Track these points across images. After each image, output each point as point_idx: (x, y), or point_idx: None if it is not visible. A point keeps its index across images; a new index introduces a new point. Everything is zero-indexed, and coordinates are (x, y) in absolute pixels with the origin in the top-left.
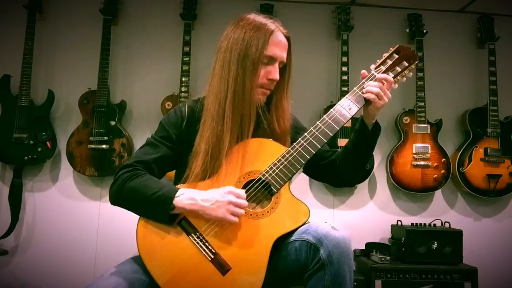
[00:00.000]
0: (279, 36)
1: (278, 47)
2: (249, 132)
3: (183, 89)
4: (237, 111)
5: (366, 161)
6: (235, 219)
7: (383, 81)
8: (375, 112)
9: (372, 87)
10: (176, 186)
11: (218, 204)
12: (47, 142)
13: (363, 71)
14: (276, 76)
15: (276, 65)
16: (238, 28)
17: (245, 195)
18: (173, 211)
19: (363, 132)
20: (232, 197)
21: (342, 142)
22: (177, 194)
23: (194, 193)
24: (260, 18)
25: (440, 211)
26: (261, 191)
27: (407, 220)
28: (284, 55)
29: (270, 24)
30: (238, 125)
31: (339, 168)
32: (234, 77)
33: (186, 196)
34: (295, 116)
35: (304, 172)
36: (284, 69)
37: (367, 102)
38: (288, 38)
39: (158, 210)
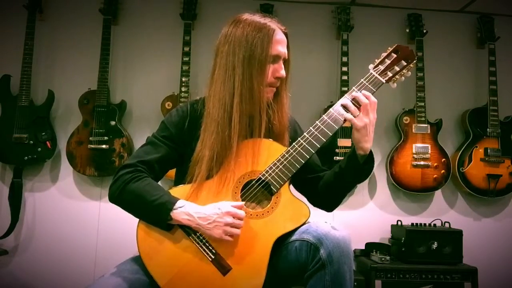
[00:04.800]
0: (280, 34)
1: (280, 44)
2: (260, 132)
3: (183, 89)
4: (245, 114)
5: (349, 189)
6: (231, 239)
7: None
8: (358, 137)
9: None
10: (176, 187)
11: (215, 224)
12: (47, 142)
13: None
14: (283, 73)
15: (281, 63)
16: (237, 30)
17: (243, 214)
18: (170, 222)
19: (352, 162)
20: (230, 218)
21: (342, 142)
22: (175, 206)
23: (192, 208)
24: (258, 18)
25: (440, 211)
26: (261, 191)
27: (407, 220)
28: (286, 51)
29: (270, 23)
30: (246, 127)
31: (321, 188)
32: (240, 80)
33: (184, 211)
34: (295, 119)
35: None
36: (285, 64)
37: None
38: (286, 34)
39: (155, 218)
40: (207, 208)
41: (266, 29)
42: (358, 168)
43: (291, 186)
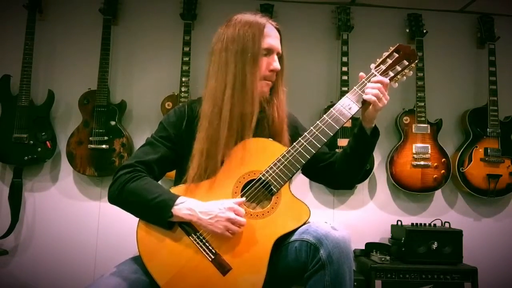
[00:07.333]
0: (271, 28)
1: (272, 38)
2: (251, 126)
3: (183, 89)
4: (236, 108)
5: (364, 165)
6: (231, 236)
7: (380, 83)
8: (374, 115)
9: (371, 89)
10: (175, 187)
11: (217, 219)
12: (47, 142)
13: (361, 73)
14: (277, 66)
15: (275, 56)
16: (229, 28)
17: (244, 212)
18: (171, 219)
19: (361, 137)
20: (232, 214)
21: (342, 142)
22: (176, 202)
23: (193, 203)
24: (249, 15)
25: (440, 211)
26: (261, 191)
27: (407, 220)
28: (279, 45)
29: (260, 18)
30: (237, 122)
31: (338, 170)
32: (233, 74)
33: (185, 206)
34: (294, 116)
35: (303, 173)
36: (280, 60)
37: (367, 102)
38: (278, 30)
39: (156, 216)
40: (209, 203)
41: (256, 24)
42: (369, 142)
43: (291, 186)
